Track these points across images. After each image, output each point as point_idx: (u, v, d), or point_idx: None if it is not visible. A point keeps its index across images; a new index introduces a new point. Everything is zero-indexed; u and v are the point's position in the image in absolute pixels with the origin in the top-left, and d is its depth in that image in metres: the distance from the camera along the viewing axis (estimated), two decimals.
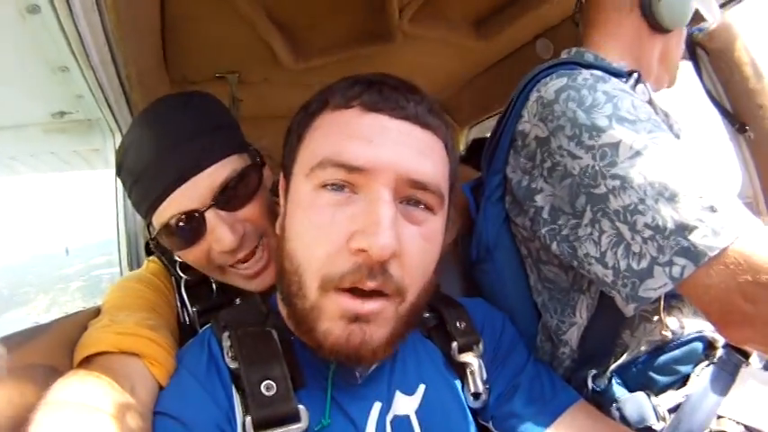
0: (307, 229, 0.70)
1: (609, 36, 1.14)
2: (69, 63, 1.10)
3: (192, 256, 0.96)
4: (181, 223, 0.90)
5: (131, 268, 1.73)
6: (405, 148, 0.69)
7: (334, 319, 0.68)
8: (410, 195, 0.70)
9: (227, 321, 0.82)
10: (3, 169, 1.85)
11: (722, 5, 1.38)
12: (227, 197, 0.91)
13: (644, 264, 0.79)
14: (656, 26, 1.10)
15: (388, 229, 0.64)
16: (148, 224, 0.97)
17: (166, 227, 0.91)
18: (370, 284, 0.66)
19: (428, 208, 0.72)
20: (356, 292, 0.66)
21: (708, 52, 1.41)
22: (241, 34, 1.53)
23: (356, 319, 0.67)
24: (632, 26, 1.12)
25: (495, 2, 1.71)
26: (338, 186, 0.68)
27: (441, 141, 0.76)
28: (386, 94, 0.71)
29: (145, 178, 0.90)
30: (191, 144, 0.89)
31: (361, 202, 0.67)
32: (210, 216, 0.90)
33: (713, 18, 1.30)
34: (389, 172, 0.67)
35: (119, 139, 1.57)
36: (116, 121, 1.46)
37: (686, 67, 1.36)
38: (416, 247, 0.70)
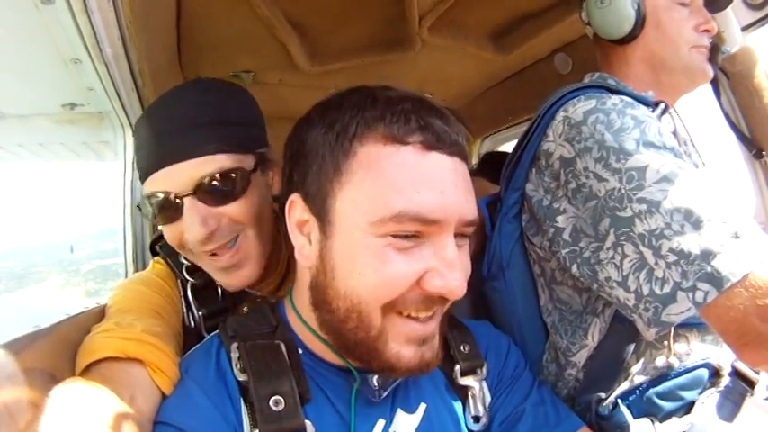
0: (375, 270, 0.68)
1: (606, 66, 1.20)
2: (81, 56, 1.09)
3: (167, 233, 0.98)
4: (160, 200, 0.92)
5: (136, 264, 1.71)
6: (462, 192, 0.72)
7: (401, 342, 0.72)
8: (461, 231, 0.73)
9: (235, 331, 0.81)
10: (10, 157, 1.85)
11: (744, 29, 1.36)
12: (207, 191, 0.91)
13: (667, 288, 0.79)
14: (614, 40, 1.14)
15: (460, 271, 0.69)
16: None
17: (149, 198, 0.93)
18: (434, 310, 0.72)
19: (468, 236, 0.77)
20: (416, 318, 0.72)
21: (728, 76, 1.39)
22: (258, 34, 1.52)
23: (424, 341, 0.73)
24: (610, 51, 1.17)
25: (514, 15, 1.70)
26: (409, 236, 0.69)
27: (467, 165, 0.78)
28: (440, 130, 0.70)
29: (142, 151, 0.95)
30: (185, 133, 0.91)
31: (430, 246, 0.70)
32: (187, 204, 0.91)
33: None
34: (455, 220, 0.70)
35: (129, 133, 1.56)
36: (126, 115, 1.45)
37: (705, 90, 1.34)
38: (466, 267, 0.75)
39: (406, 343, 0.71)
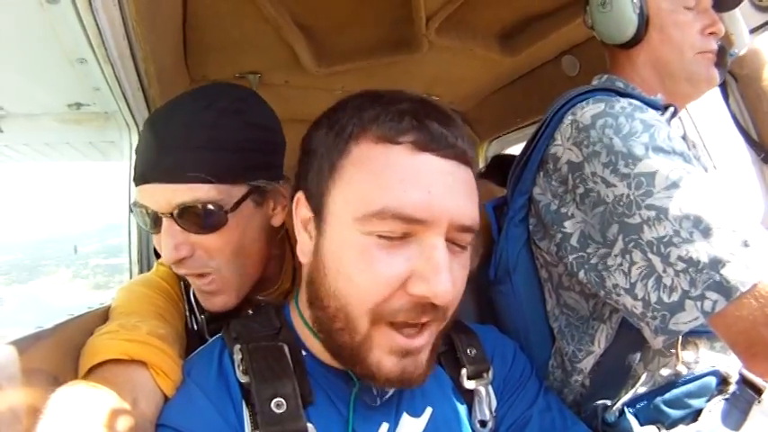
0: (360, 271, 0.68)
1: (614, 69, 1.19)
2: (87, 55, 1.08)
3: (154, 240, 0.98)
4: (145, 212, 0.92)
5: (141, 264, 1.71)
6: (458, 195, 0.70)
7: (384, 352, 0.70)
8: (455, 237, 0.70)
9: (238, 333, 0.81)
10: (17, 156, 1.86)
11: (752, 31, 1.35)
12: (185, 218, 0.89)
13: (675, 297, 0.78)
14: (619, 44, 1.13)
15: (447, 275, 0.65)
16: None
17: (134, 204, 0.94)
18: (424, 319, 0.69)
19: (464, 245, 0.73)
20: (406, 325, 0.69)
21: (736, 78, 1.38)
22: (264, 35, 1.52)
23: (407, 354, 0.70)
24: (617, 54, 1.17)
25: (522, 17, 1.70)
26: (394, 237, 0.68)
27: (473, 172, 0.76)
28: (436, 132, 0.69)
29: (138, 156, 0.93)
30: (173, 155, 0.89)
31: (417, 246, 0.67)
32: (164, 224, 0.90)
33: None
34: (445, 222, 0.67)
35: (135, 133, 1.56)
36: (132, 115, 1.45)
37: (714, 93, 1.32)
38: (459, 277, 0.72)
39: (389, 353, 0.69)
